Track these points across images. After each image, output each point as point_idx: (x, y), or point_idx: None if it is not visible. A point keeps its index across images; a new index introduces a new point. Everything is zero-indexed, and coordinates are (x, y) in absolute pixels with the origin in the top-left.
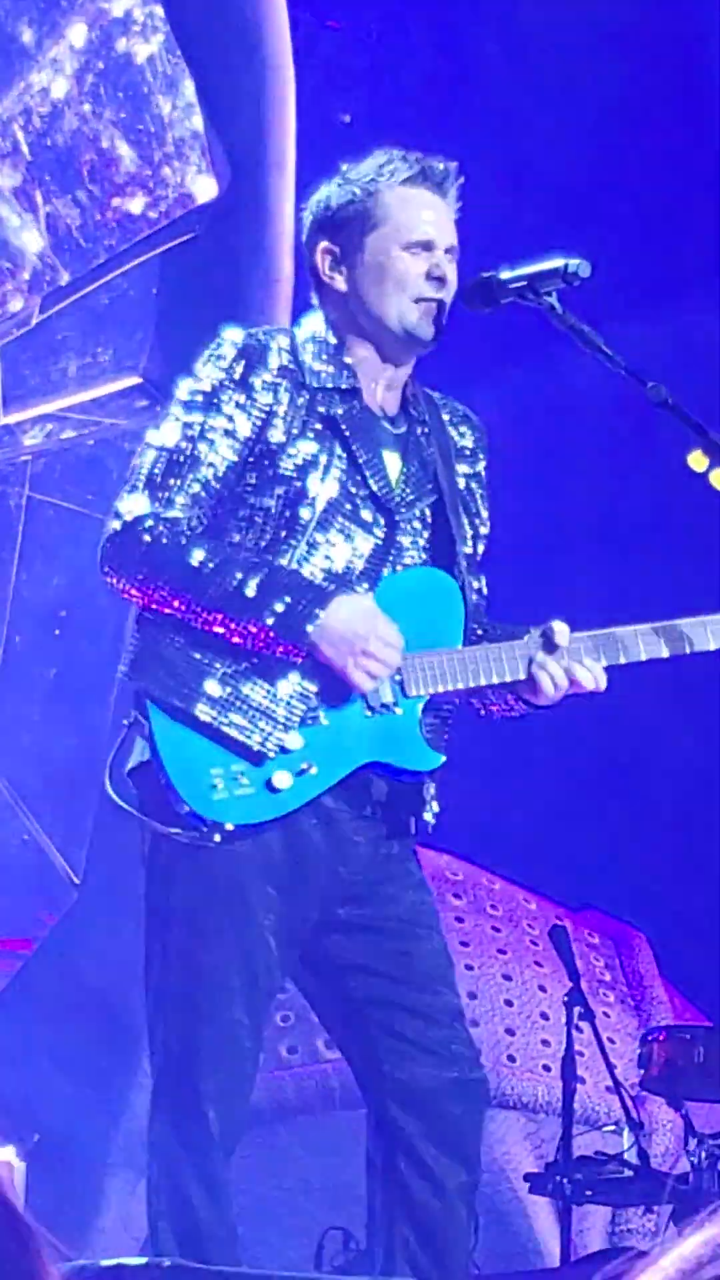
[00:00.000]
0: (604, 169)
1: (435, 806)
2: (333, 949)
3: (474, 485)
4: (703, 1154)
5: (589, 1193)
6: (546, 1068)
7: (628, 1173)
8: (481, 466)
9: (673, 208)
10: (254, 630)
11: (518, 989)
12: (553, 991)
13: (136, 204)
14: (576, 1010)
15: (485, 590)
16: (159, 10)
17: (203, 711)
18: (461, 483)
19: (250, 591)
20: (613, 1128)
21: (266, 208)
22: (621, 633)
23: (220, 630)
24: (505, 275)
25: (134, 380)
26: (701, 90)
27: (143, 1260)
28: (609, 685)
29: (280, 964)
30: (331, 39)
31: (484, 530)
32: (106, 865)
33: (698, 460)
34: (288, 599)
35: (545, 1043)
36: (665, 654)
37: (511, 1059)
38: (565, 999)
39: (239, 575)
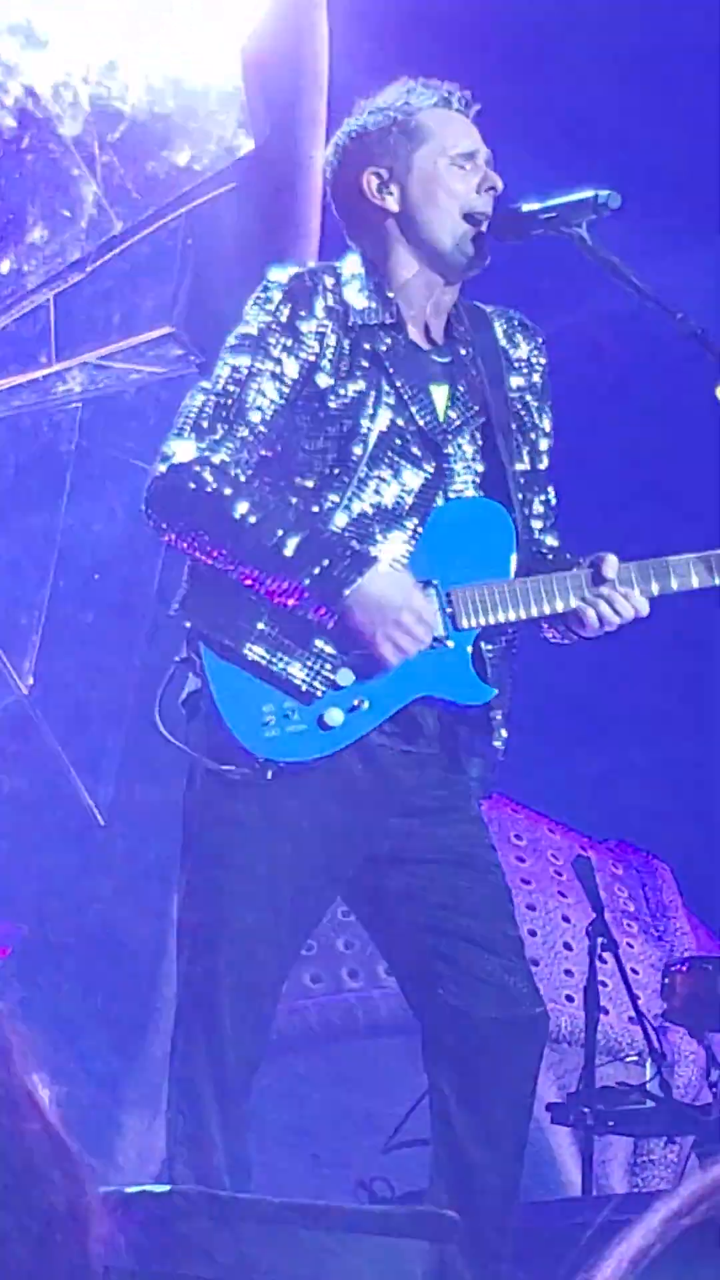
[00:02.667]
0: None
1: (503, 733)
2: (386, 880)
3: (528, 398)
4: None
5: (611, 1123)
6: (570, 998)
7: (650, 1104)
8: (539, 376)
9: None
10: (290, 589)
11: (541, 919)
12: (577, 922)
13: (182, 156)
14: (600, 941)
15: (553, 500)
16: None
17: (251, 650)
18: (514, 397)
19: (289, 551)
20: (635, 1058)
21: (299, 161)
22: (671, 561)
23: (255, 585)
24: (535, 206)
25: (167, 329)
26: None
27: (165, 1188)
28: (645, 617)
29: (314, 897)
30: None
31: (544, 444)
32: (127, 813)
33: None
34: (325, 561)
35: (569, 973)
36: (714, 582)
37: (570, 999)
38: (589, 929)
39: (280, 533)
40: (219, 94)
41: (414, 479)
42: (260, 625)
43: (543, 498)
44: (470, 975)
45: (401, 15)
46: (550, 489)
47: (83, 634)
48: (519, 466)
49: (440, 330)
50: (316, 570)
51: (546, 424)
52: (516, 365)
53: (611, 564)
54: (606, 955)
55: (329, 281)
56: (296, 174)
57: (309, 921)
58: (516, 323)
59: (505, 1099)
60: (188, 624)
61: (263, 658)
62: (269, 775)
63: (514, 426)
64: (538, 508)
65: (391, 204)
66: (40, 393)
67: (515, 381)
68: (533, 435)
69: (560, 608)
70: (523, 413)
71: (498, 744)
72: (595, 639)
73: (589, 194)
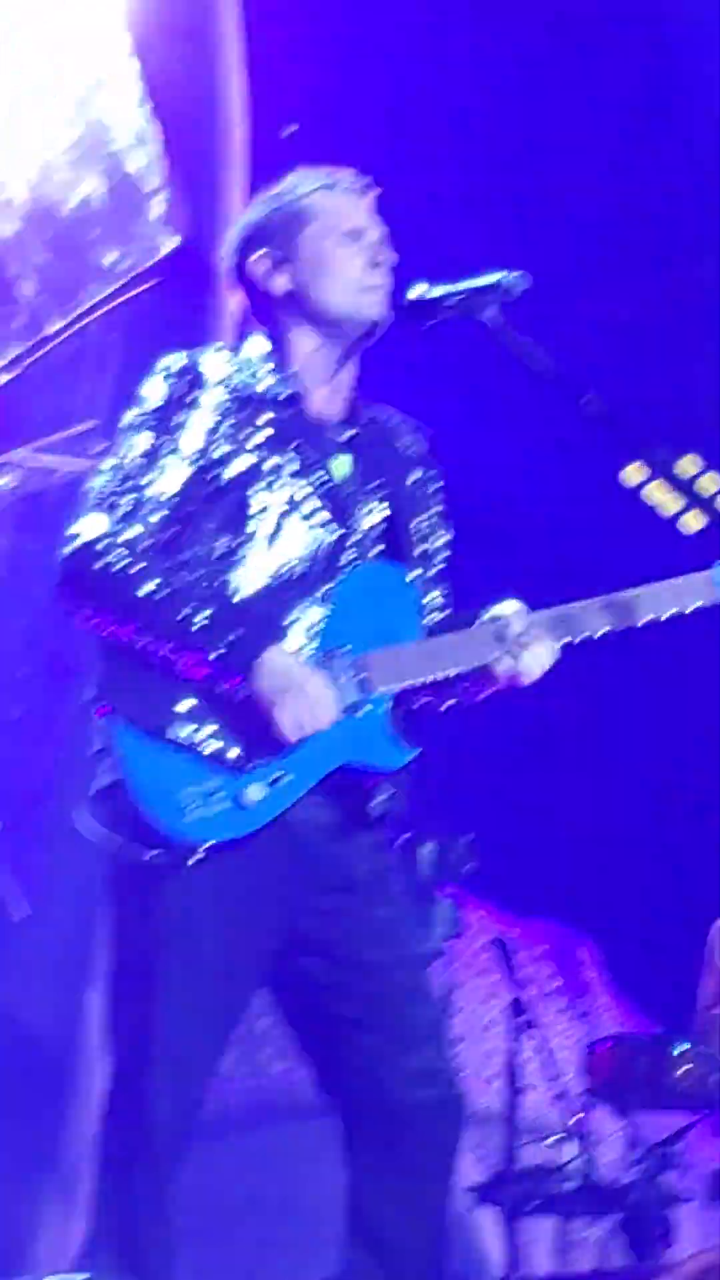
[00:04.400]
0: (554, 180)
1: (389, 791)
2: (303, 963)
3: (425, 489)
4: (649, 1164)
5: (534, 1204)
6: (492, 1078)
7: (574, 1184)
8: (433, 475)
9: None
10: (199, 663)
11: (464, 998)
12: (499, 1001)
13: (110, 255)
14: (521, 1020)
15: (446, 600)
16: (133, 67)
17: (176, 731)
18: (413, 484)
19: (198, 625)
20: (558, 1138)
21: (217, 257)
22: (572, 609)
23: (171, 659)
24: (440, 292)
25: (93, 423)
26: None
27: (84, 1276)
28: (558, 687)
29: (239, 981)
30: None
31: (440, 538)
32: (44, 906)
33: (632, 473)
34: (232, 636)
35: (491, 1053)
36: (617, 627)
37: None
38: (510, 1009)
39: (189, 608)
40: (144, 194)
41: (319, 543)
42: (182, 705)
43: (436, 595)
44: (385, 1065)
45: (319, 113)
46: (446, 585)
47: (9, 730)
48: (420, 549)
49: (341, 408)
50: (223, 646)
51: (441, 523)
52: (411, 459)
53: (518, 617)
54: (529, 1034)
55: (225, 359)
56: (213, 271)
57: (239, 1007)
58: (410, 425)
59: (425, 1184)
60: (99, 714)
61: (188, 738)
62: (193, 859)
63: (415, 512)
64: (435, 595)
65: (282, 285)
66: None
67: (413, 474)
68: (426, 524)
69: (474, 662)
70: (421, 503)
71: (388, 805)
72: (496, 700)
73: (496, 278)
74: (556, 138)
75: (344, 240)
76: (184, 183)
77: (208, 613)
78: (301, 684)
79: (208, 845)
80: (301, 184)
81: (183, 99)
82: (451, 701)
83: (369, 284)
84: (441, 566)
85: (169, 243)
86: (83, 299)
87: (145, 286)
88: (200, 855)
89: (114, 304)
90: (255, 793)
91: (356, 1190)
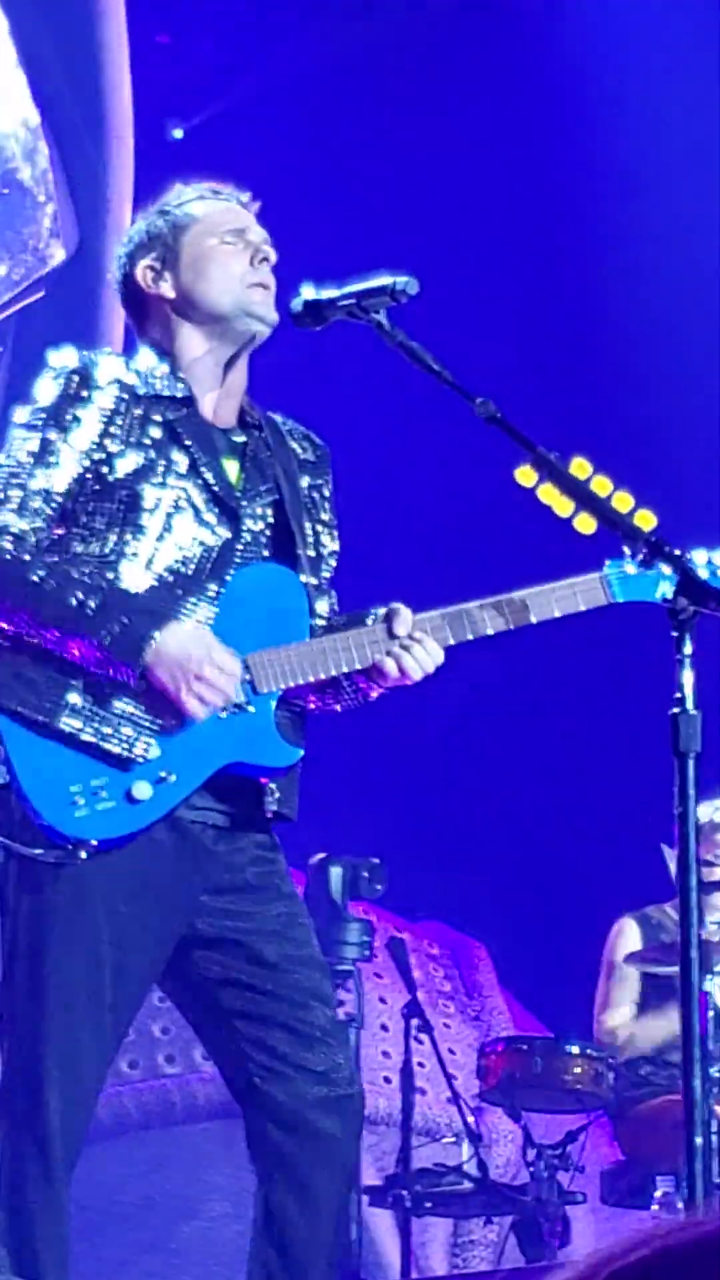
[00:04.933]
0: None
1: (277, 793)
2: (201, 963)
3: (316, 496)
4: (542, 1165)
5: (429, 1205)
6: (387, 1079)
7: (468, 1185)
8: (325, 482)
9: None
10: (90, 650)
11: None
12: (393, 1003)
13: (2, 267)
14: (414, 1022)
15: (336, 606)
16: (21, 78)
17: (66, 723)
18: (304, 490)
19: (89, 611)
20: (452, 1139)
21: (102, 269)
22: (466, 609)
23: (59, 648)
24: (332, 294)
25: None
26: None
27: None
28: (451, 689)
29: (133, 979)
30: (162, 53)
31: (331, 545)
32: None
33: (526, 475)
34: (124, 620)
35: (386, 1054)
36: (510, 626)
37: None
38: (404, 1010)
39: (79, 595)
40: (33, 205)
41: (209, 542)
42: (70, 697)
43: (324, 602)
44: (286, 1064)
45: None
46: (334, 594)
47: None
48: (309, 553)
49: (232, 414)
50: (117, 628)
51: (333, 529)
52: (304, 465)
53: (405, 617)
54: (423, 1036)
55: (117, 360)
56: (101, 283)
57: (130, 1007)
58: (301, 432)
59: (325, 1182)
60: None
61: (76, 730)
62: (82, 856)
63: (305, 517)
64: (324, 604)
65: (167, 290)
66: None
67: (305, 480)
68: (319, 528)
69: (360, 664)
70: (311, 507)
71: (277, 808)
72: (399, 690)
73: (387, 280)
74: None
75: (225, 239)
76: (73, 194)
77: (96, 600)
78: (199, 667)
79: (96, 842)
80: (183, 194)
81: (71, 111)
82: (339, 704)
83: (252, 280)
84: (329, 574)
85: (58, 254)
86: None
87: (34, 297)
88: (87, 852)
89: (4, 315)
90: (141, 790)
91: (261, 1189)
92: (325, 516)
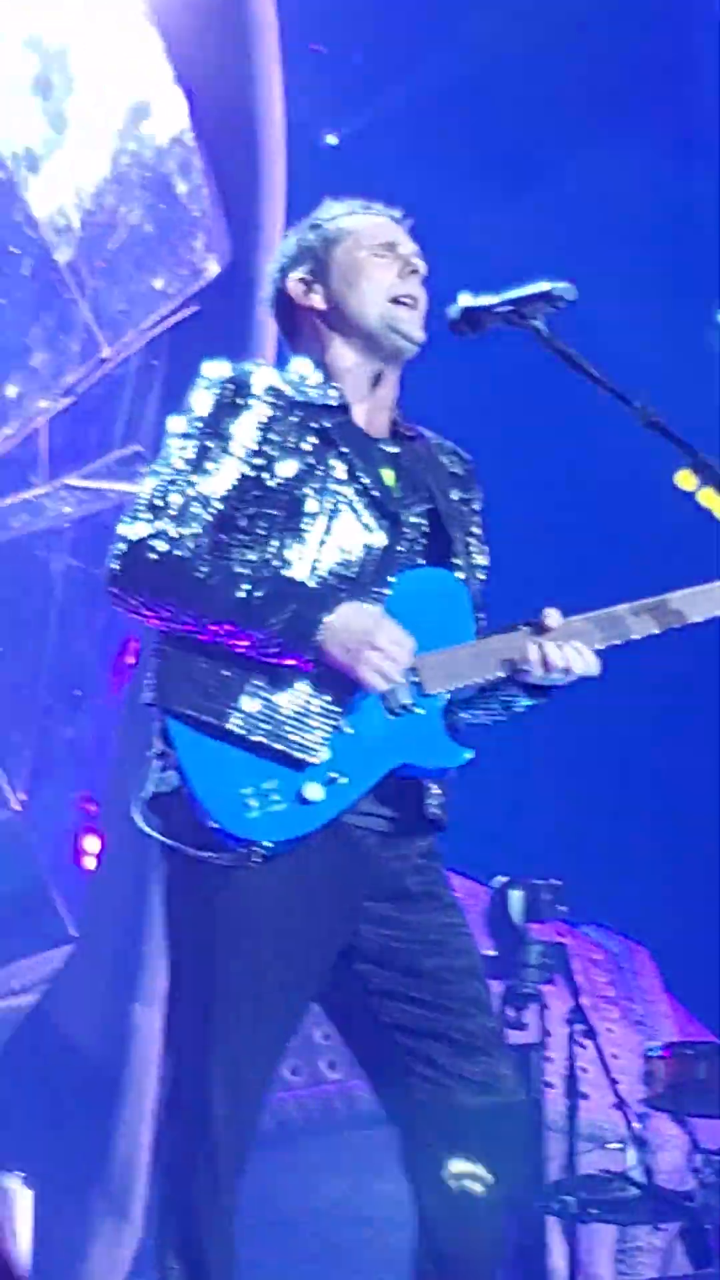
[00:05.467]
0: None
1: (440, 796)
2: (362, 974)
3: (466, 509)
4: (709, 1170)
5: (594, 1211)
6: (549, 1084)
7: (633, 1190)
8: (475, 497)
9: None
10: (262, 639)
11: None
12: (555, 1008)
13: (159, 280)
14: (578, 1027)
15: (484, 623)
16: (178, 94)
17: (237, 725)
18: (456, 502)
19: (257, 601)
20: (618, 1145)
21: (256, 284)
22: (615, 612)
23: (229, 641)
24: (491, 300)
25: (136, 448)
26: None
27: None
28: (610, 693)
29: (300, 986)
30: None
31: (481, 559)
32: (92, 923)
33: (685, 479)
34: (294, 606)
35: (549, 1060)
36: (657, 630)
37: None
38: (567, 1016)
39: (245, 586)
40: (189, 220)
41: (368, 548)
42: (241, 699)
43: (479, 617)
44: (449, 1075)
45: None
46: (480, 611)
47: (68, 750)
48: (461, 561)
49: (384, 426)
50: (287, 614)
51: (483, 554)
52: (454, 479)
53: (554, 615)
54: (586, 1041)
55: (270, 370)
56: (255, 297)
57: (295, 1014)
58: (449, 448)
59: (488, 1191)
60: (156, 717)
61: (247, 732)
62: (254, 859)
63: (457, 527)
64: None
65: (318, 302)
66: (35, 514)
67: (455, 493)
68: (471, 542)
69: (519, 658)
70: (464, 518)
71: (438, 811)
72: (549, 697)
73: (545, 287)
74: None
75: (376, 251)
76: (226, 209)
77: (265, 589)
78: (374, 633)
79: (269, 844)
80: (333, 209)
81: (225, 128)
82: (489, 716)
83: (400, 292)
84: (480, 586)
85: (212, 268)
86: (133, 324)
87: (189, 311)
88: (259, 855)
89: (160, 328)
90: (313, 791)
91: (420, 1198)
92: (476, 530)
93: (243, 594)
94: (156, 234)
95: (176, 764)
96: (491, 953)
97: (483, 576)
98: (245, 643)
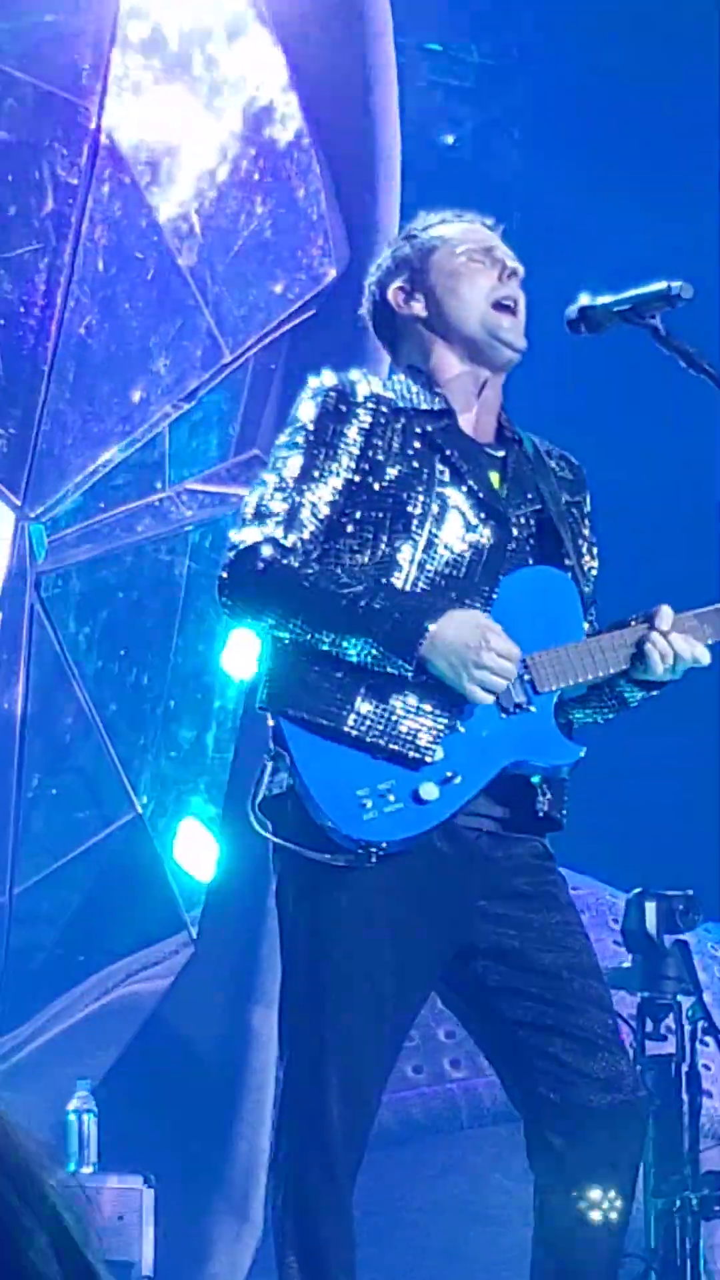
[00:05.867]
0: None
1: (549, 794)
2: (480, 971)
3: (576, 512)
4: None
5: (717, 1208)
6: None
7: None
8: (584, 500)
9: None
10: (365, 647)
11: None
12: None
13: (279, 285)
14: (701, 1024)
15: (596, 624)
16: (295, 98)
17: (351, 727)
18: (567, 505)
19: (360, 609)
20: None
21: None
22: (714, 610)
23: (333, 649)
24: (608, 300)
25: (255, 453)
26: None
27: None
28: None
29: (414, 986)
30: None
31: (592, 562)
32: (219, 925)
33: None
34: (397, 615)
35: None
36: None
37: None
38: (689, 1013)
39: (350, 594)
40: (307, 223)
41: (476, 549)
42: (355, 701)
43: (589, 618)
44: (570, 1070)
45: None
46: (593, 614)
47: (187, 753)
48: (572, 562)
49: (490, 430)
50: (389, 624)
51: (593, 557)
52: (563, 482)
53: (666, 613)
54: (708, 1039)
55: (374, 378)
56: None
57: (410, 1014)
58: (558, 452)
59: (610, 1189)
60: (271, 720)
61: (362, 733)
62: (372, 859)
63: (567, 530)
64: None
65: (419, 309)
66: (158, 518)
67: (564, 496)
68: (581, 543)
69: (626, 664)
70: (573, 521)
71: (553, 813)
72: (661, 691)
73: (662, 285)
74: None
75: (473, 256)
76: (344, 212)
77: (368, 600)
78: (478, 645)
79: (386, 844)
80: (427, 220)
81: (341, 130)
82: (600, 715)
83: (500, 295)
84: (590, 589)
85: (330, 273)
86: (253, 328)
87: (306, 316)
88: (376, 855)
89: (278, 333)
90: (429, 791)
91: (539, 1197)
92: (586, 533)
93: (346, 601)
94: (276, 238)
95: (291, 766)
96: (627, 964)
97: (593, 578)
98: (351, 651)
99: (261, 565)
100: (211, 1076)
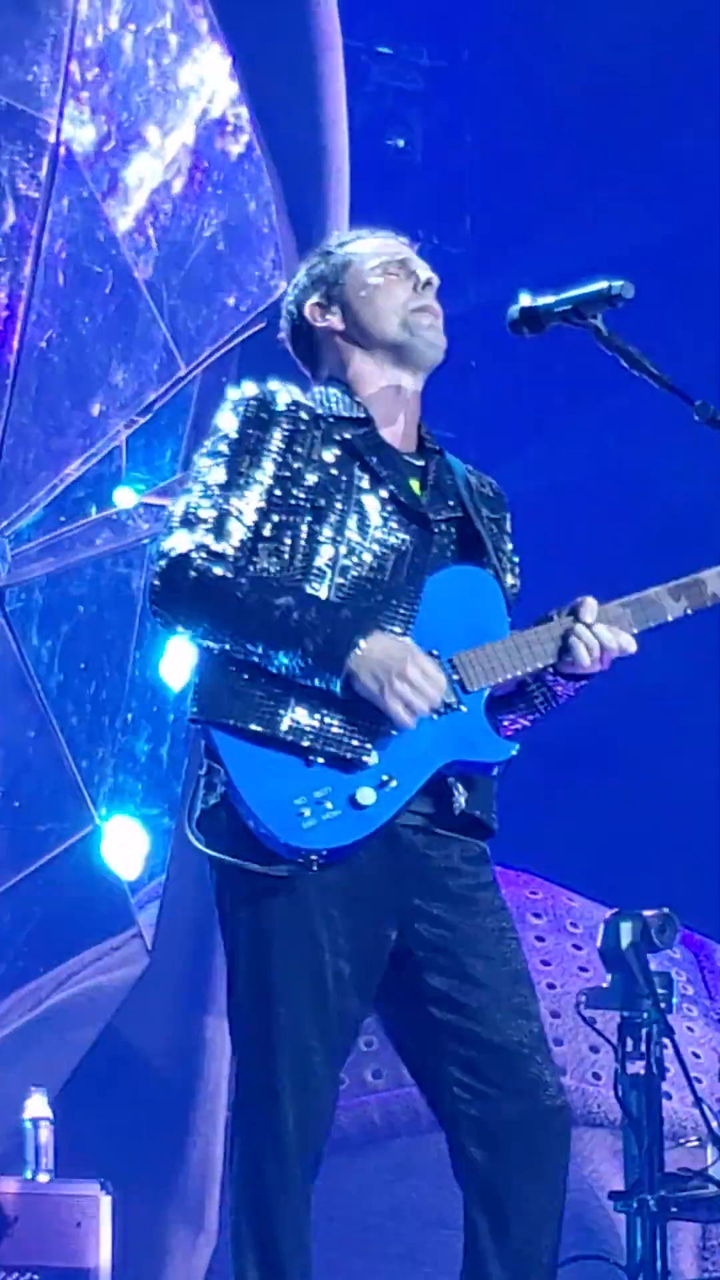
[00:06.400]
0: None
1: (465, 793)
2: (409, 976)
3: (496, 527)
4: None
5: (675, 1209)
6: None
7: (714, 1189)
8: (505, 519)
9: None
10: (293, 660)
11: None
12: None
13: (231, 297)
14: (655, 1027)
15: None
16: (244, 111)
17: (284, 735)
18: (485, 517)
19: (292, 623)
20: (696, 1143)
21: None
22: (649, 595)
23: (262, 661)
24: (549, 300)
25: None
26: None
27: None
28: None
29: (355, 988)
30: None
31: (512, 580)
32: (172, 936)
33: None
34: (327, 629)
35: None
36: (690, 610)
37: (597, 1076)
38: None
39: (280, 608)
40: (258, 236)
41: (399, 554)
42: (286, 709)
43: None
44: (490, 1084)
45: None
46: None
47: (144, 765)
48: (494, 565)
49: (412, 440)
50: (320, 638)
51: (514, 575)
52: (484, 498)
53: (590, 606)
54: (666, 1040)
55: (294, 387)
56: None
57: (356, 1015)
58: (478, 473)
59: (532, 1200)
60: (200, 731)
61: (295, 740)
62: (313, 868)
63: (488, 536)
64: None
65: (335, 322)
66: (117, 531)
67: (486, 511)
68: (502, 556)
69: (553, 658)
70: (495, 533)
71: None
72: (588, 684)
73: (602, 285)
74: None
75: (389, 269)
76: (294, 226)
77: (298, 613)
78: (402, 668)
79: (326, 852)
80: (342, 236)
81: (291, 143)
82: (529, 716)
83: (417, 304)
84: (512, 603)
85: (281, 285)
86: (208, 341)
87: (257, 328)
88: (318, 864)
89: (230, 346)
90: (366, 796)
91: (468, 1211)
92: (508, 548)
93: (278, 614)
94: (228, 250)
95: (225, 777)
96: (604, 984)
97: (514, 594)
98: (280, 663)
99: (194, 574)
100: (166, 1085)
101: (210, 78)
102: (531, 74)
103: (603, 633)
